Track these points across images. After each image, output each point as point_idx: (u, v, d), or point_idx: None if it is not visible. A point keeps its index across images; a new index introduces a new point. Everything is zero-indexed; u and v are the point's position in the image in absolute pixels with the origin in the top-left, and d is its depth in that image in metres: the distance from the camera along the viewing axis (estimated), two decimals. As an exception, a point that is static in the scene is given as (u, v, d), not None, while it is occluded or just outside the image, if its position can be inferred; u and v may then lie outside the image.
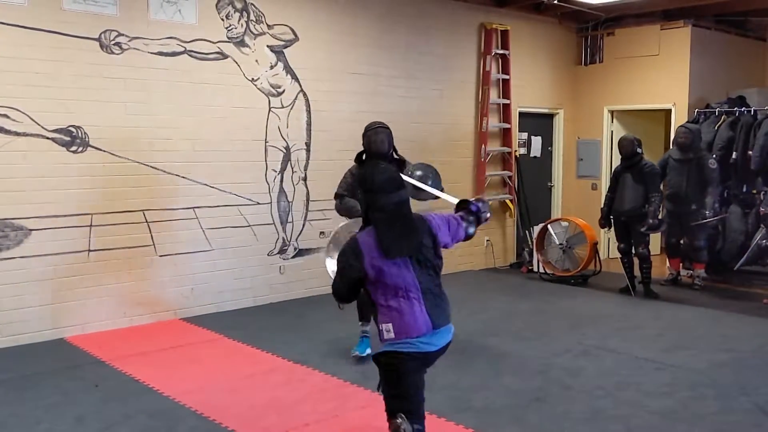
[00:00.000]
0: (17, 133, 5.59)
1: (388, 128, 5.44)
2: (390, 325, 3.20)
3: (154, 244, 6.35)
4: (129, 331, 6.09)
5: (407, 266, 3.20)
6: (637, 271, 7.61)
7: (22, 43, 5.58)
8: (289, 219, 7.32)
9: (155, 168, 6.33)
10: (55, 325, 5.84)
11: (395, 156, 5.42)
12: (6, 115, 5.54)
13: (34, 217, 5.71)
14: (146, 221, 6.30)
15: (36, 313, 5.75)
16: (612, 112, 9.85)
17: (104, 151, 6.03)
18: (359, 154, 5.37)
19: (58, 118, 5.78)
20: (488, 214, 3.78)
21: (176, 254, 6.49)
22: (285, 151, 7.24)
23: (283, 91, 7.17)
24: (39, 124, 5.69)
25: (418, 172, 5.09)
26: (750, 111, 8.30)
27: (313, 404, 4.44)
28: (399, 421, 3.17)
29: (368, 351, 5.24)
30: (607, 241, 9.65)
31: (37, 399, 4.51)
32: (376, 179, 3.26)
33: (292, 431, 4.03)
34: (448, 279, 7.98)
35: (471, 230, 3.62)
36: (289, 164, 7.27)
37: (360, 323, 5.37)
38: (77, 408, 4.36)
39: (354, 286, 3.27)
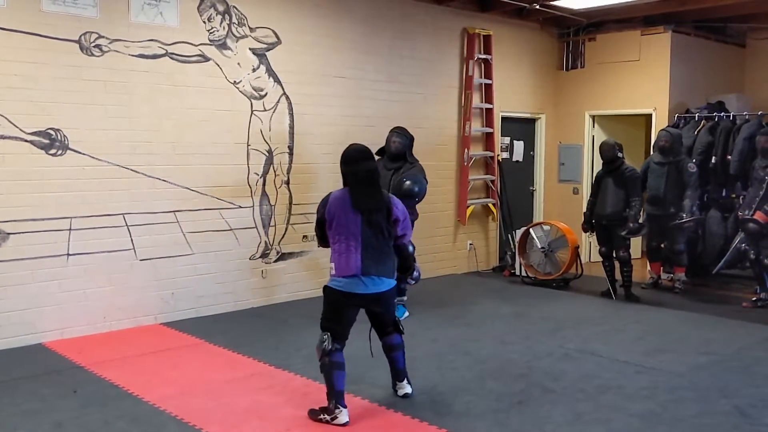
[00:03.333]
0: (-5, 136, 5.53)
1: (406, 134, 6.72)
2: (333, 264, 4.26)
3: (134, 248, 6.30)
4: (109, 336, 6.03)
5: (356, 222, 4.17)
6: (618, 275, 7.66)
7: (0, 45, 5.51)
8: (272, 223, 7.29)
9: (135, 171, 6.28)
10: (33, 330, 5.76)
11: (408, 159, 6.63)
12: (-17, 118, 5.47)
13: (12, 221, 5.63)
14: (126, 225, 6.24)
15: (14, 317, 5.67)
16: (593, 117, 9.92)
17: (84, 154, 5.97)
18: (380, 149, 6.57)
19: (36, 121, 5.72)
20: (413, 282, 5.35)
21: (157, 258, 6.44)
22: (267, 154, 7.21)
23: (266, 94, 7.14)
24: (17, 127, 5.63)
25: (407, 182, 6.21)
26: (729, 116, 8.40)
27: (294, 409, 4.41)
28: (325, 336, 4.21)
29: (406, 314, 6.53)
30: (589, 245, 9.71)
31: (14, 405, 4.44)
32: (350, 151, 4.35)
33: (274, 436, 4.01)
34: (431, 282, 8.06)
35: (410, 248, 4.64)
36: (271, 168, 7.24)
37: None
38: (56, 414, 4.30)
39: (321, 228, 4.33)
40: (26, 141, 5.69)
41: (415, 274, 5.17)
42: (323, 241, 4.43)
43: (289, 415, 4.32)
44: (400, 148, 6.69)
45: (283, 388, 4.80)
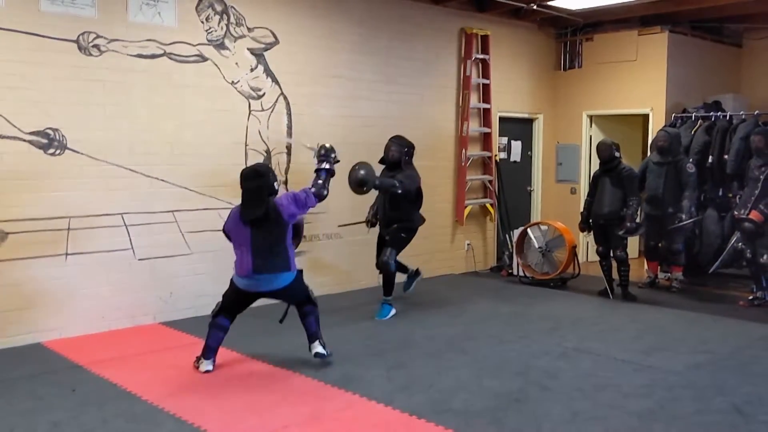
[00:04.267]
0: (-7, 136, 5.54)
1: (404, 143, 6.89)
2: (235, 263, 5.13)
3: (132, 248, 6.31)
4: (107, 336, 6.04)
5: (246, 230, 5.00)
6: (615, 274, 7.68)
7: (-1, 45, 5.53)
8: (270, 222, 7.29)
9: (134, 171, 6.29)
10: (31, 330, 5.77)
11: (402, 167, 6.79)
12: (-18, 117, 5.48)
13: (11, 220, 5.64)
14: (125, 224, 6.25)
15: (12, 317, 5.68)
16: (591, 117, 9.94)
17: (82, 153, 5.98)
18: (382, 158, 6.97)
19: (35, 121, 5.73)
20: (331, 163, 5.40)
21: (155, 258, 6.45)
22: (265, 154, 7.22)
23: (264, 94, 7.16)
24: (16, 127, 5.64)
25: (362, 171, 6.50)
26: (726, 116, 8.42)
27: (292, 406, 4.42)
28: (217, 304, 5.24)
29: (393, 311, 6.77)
30: (586, 245, 9.73)
31: (11, 404, 4.44)
32: (243, 171, 5.18)
33: (272, 434, 4.02)
34: (428, 282, 8.10)
35: (323, 192, 5.24)
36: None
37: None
38: (53, 413, 4.31)
39: (228, 238, 5.23)
40: (24, 140, 5.70)
41: (332, 155, 5.45)
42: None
43: (287, 412, 4.33)
44: (396, 156, 6.82)
45: (280, 387, 4.81)
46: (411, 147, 6.93)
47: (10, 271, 5.65)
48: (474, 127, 9.14)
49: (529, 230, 8.43)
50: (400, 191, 6.64)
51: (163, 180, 6.45)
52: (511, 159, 9.91)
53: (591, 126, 9.96)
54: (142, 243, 6.36)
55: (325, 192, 5.27)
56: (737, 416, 4.30)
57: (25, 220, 5.71)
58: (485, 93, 9.22)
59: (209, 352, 5.12)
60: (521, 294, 7.91)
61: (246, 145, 7.06)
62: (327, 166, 5.38)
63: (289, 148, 7.40)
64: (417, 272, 7.42)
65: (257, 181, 5.07)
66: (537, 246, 8.30)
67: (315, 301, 5.32)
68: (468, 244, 9.30)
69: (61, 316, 5.92)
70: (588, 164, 9.85)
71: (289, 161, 7.41)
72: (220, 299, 5.27)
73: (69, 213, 5.94)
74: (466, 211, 9.09)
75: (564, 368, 5.22)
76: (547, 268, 8.30)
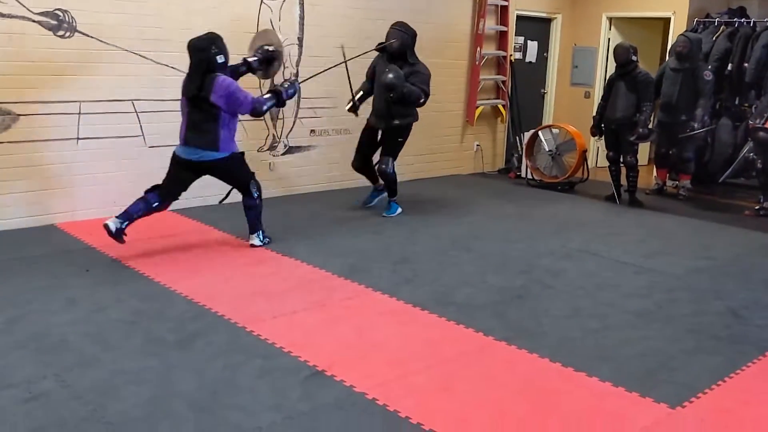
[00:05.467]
0: (1, 15, 5.44)
1: (407, 31, 6.40)
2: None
3: (143, 135, 6.32)
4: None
5: (184, 102, 5.15)
6: (623, 180, 7.69)
7: None
8: (280, 116, 7.27)
9: (144, 57, 6.21)
10: (44, 212, 5.87)
11: (409, 59, 6.37)
12: (-10, -5, 5.37)
13: (21, 102, 5.63)
14: (135, 111, 6.24)
15: (26, 198, 5.76)
16: (610, 19, 9.67)
17: (92, 37, 5.89)
18: (380, 45, 6.52)
19: (44, 1, 5.61)
20: (288, 95, 5.55)
21: (165, 146, 6.42)
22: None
23: (276, -18, 6.96)
24: (24, 6, 5.53)
25: (390, 75, 6.19)
26: (749, 22, 8.18)
27: (300, 294, 4.55)
28: (153, 186, 5.30)
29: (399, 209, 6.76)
30: (597, 150, 9.69)
31: (28, 281, 4.58)
32: (189, 42, 5.14)
33: (280, 317, 4.15)
34: (435, 182, 8.15)
35: (262, 109, 5.30)
36: (280, 59, 7.14)
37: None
38: (68, 291, 4.44)
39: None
40: (34, 21, 5.60)
41: (290, 91, 5.59)
42: None
43: (296, 299, 4.45)
44: (398, 47, 6.32)
45: (288, 274, 4.93)
46: (415, 35, 6.46)
47: (23, 153, 5.69)
48: (490, 24, 8.92)
49: (540, 133, 8.38)
50: (423, 101, 6.33)
51: (173, 67, 6.37)
52: (527, 60, 9.73)
53: (610, 29, 9.71)
54: (152, 131, 6.35)
55: (264, 110, 5.32)
56: (733, 318, 4.42)
57: (35, 102, 5.69)
58: (504, -11, 8.95)
59: (122, 213, 5.14)
60: (528, 196, 7.95)
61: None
62: (283, 96, 5.50)
63: (300, 39, 7.26)
64: (383, 190, 6.90)
65: (197, 55, 5.08)
66: (547, 149, 8.27)
67: (254, 193, 5.42)
68: (477, 145, 9.26)
69: (73, 199, 6.01)
70: (604, 69, 9.66)
71: (300, 53, 7.29)
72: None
73: (80, 97, 5.91)
74: (477, 111, 9.00)
75: (567, 268, 5.31)
76: (556, 172, 8.30)
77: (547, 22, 9.86)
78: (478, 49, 8.78)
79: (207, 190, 6.72)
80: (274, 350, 3.69)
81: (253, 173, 5.50)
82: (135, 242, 5.44)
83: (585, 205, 7.63)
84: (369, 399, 3.21)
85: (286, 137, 7.36)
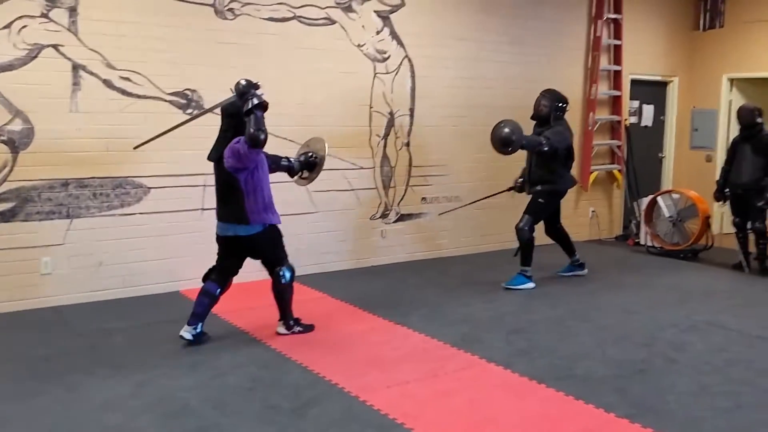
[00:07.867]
0: (138, 96, 5.90)
1: (554, 96, 6.56)
2: None
3: (262, 205, 6.57)
4: (238, 287, 6.25)
5: (214, 171, 4.75)
6: (752, 247, 7.26)
7: (143, 9, 5.85)
8: (392, 184, 7.40)
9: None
10: (171, 279, 6.18)
11: (551, 123, 6.46)
12: (128, 79, 5.85)
13: (153, 176, 6.03)
14: (255, 183, 6.51)
15: (154, 266, 6.10)
16: (731, 81, 9.34)
17: (217, 114, 6.23)
18: (532, 114, 6.63)
19: (174, 82, 6.05)
20: (258, 96, 4.68)
21: (282, 215, 6.64)
22: (389, 116, 7.29)
23: (389, 56, 7.20)
24: (157, 87, 5.98)
25: (506, 129, 6.15)
26: None
27: (413, 363, 4.51)
28: (207, 272, 4.97)
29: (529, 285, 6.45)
30: (721, 216, 9.23)
31: (153, 346, 4.81)
32: (223, 106, 4.78)
33: (394, 387, 4.12)
34: (550, 249, 7.94)
35: (258, 135, 4.45)
36: (392, 129, 7.32)
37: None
38: (192, 356, 4.62)
39: None
40: (165, 101, 6.03)
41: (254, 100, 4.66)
42: None
43: (408, 369, 4.42)
44: (545, 112, 6.48)
45: (401, 343, 4.92)
46: (564, 101, 6.60)
47: (151, 223, 6.06)
48: (603, 90, 8.81)
49: (659, 198, 8.09)
50: (546, 149, 6.28)
51: (291, 141, 6.63)
52: (642, 124, 9.50)
53: (731, 90, 9.37)
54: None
55: (261, 135, 4.46)
56: None
57: (165, 176, 6.08)
58: (616, 54, 8.85)
59: (192, 317, 4.81)
60: (648, 264, 7.63)
61: (370, 107, 7.16)
62: (255, 101, 4.60)
63: (412, 110, 7.42)
64: (582, 265, 7.03)
65: (226, 120, 4.71)
66: (667, 215, 7.96)
67: (284, 276, 4.91)
68: (593, 212, 9.04)
69: (197, 267, 6.23)
70: (726, 131, 9.30)
71: (411, 123, 7.44)
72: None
73: (204, 170, 6.22)
74: (592, 177, 8.82)
75: (692, 341, 5.02)
76: (678, 239, 7.95)
77: (663, 85, 9.64)
78: (591, 114, 8.67)
79: (324, 257, 6.91)
80: (387, 421, 3.66)
81: (287, 255, 5.03)
82: (252, 309, 5.61)
83: (710, 273, 7.23)
84: (485, 476, 3.11)
85: (398, 205, 7.47)
